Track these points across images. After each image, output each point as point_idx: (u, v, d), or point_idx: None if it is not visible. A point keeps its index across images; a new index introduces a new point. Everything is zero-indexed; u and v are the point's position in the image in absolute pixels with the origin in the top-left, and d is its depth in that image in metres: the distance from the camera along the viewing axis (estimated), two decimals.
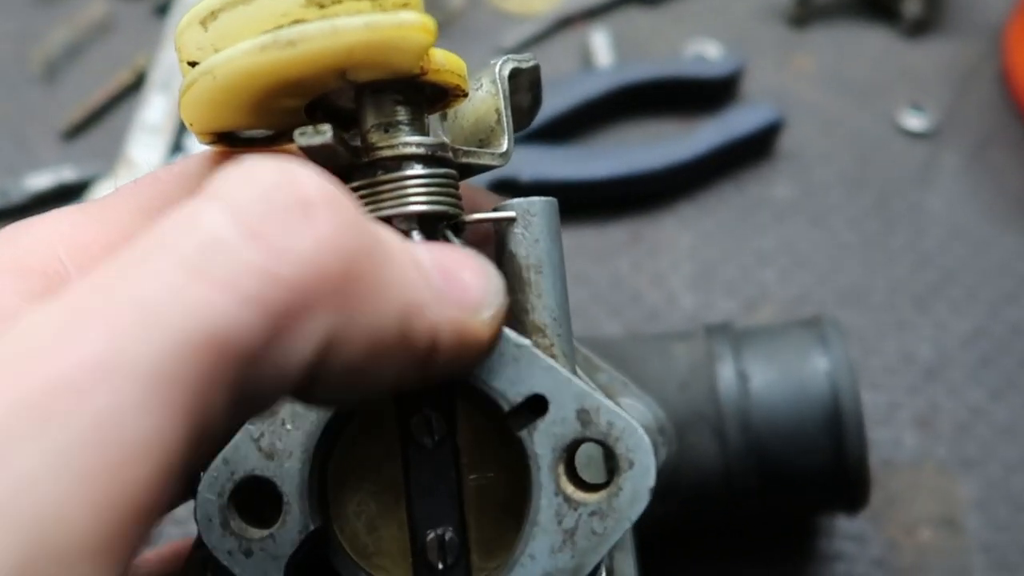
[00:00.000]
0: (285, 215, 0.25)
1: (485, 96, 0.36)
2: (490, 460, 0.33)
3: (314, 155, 0.31)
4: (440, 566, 0.32)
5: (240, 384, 0.24)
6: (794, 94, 0.81)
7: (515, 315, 0.33)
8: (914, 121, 0.80)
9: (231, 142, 0.35)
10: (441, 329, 0.28)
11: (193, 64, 0.32)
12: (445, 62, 0.33)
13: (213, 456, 0.32)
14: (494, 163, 0.35)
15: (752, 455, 0.52)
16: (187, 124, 0.33)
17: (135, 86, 0.78)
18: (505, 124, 0.36)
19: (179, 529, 0.60)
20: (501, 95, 0.36)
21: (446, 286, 0.29)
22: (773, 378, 0.54)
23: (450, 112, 0.37)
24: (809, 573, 0.60)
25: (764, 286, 0.72)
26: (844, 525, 0.62)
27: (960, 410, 0.67)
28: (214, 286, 0.23)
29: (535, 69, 0.38)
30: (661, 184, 0.75)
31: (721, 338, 0.55)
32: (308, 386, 0.26)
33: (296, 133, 0.30)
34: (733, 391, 0.53)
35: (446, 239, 0.33)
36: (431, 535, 0.32)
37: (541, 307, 0.33)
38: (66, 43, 0.81)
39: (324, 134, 0.30)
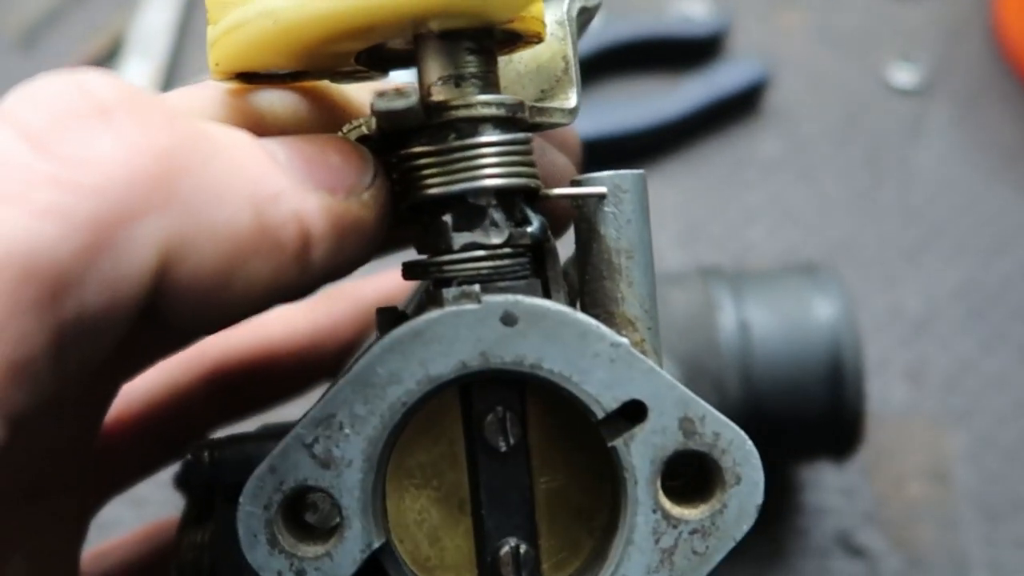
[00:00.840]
0: (78, 122, 0.23)
1: (550, 40, 0.32)
2: (561, 462, 0.30)
3: (388, 120, 0.28)
4: None
5: (61, 307, 0.22)
6: (781, 50, 0.80)
7: (602, 306, 0.29)
8: (903, 76, 0.79)
9: (249, 79, 0.31)
10: (309, 216, 0.26)
11: None
12: (528, 4, 0.28)
13: (71, 408, 0.29)
14: (564, 121, 0.31)
15: (750, 407, 0.51)
16: (212, 64, 0.30)
17: (114, 52, 0.78)
18: (574, 75, 0.32)
19: (134, 512, 0.59)
20: (570, 40, 0.32)
21: (307, 168, 0.27)
22: (774, 328, 0.53)
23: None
24: (799, 527, 0.60)
25: (752, 242, 0.72)
26: (833, 479, 0.61)
27: (950, 363, 0.66)
28: (7, 203, 0.22)
29: (598, 7, 0.34)
30: (648, 142, 0.75)
31: (719, 283, 0.54)
32: (159, 304, 0.24)
33: (374, 96, 0.27)
34: (734, 343, 0.52)
35: (523, 214, 0.29)
36: (504, 548, 0.29)
37: (632, 297, 0.29)
38: (44, 9, 0.80)
39: (408, 97, 0.27)
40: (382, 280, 0.47)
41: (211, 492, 0.35)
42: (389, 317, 0.30)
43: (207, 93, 0.30)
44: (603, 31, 0.79)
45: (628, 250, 0.29)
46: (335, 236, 0.27)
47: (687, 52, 0.79)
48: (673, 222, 0.73)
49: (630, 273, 0.29)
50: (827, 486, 0.61)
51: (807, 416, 0.52)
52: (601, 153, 0.74)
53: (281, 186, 0.26)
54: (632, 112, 0.75)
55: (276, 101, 0.31)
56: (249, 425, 0.38)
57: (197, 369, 0.41)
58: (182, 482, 0.39)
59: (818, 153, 0.76)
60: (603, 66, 0.78)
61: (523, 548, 0.29)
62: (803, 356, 0.52)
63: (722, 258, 0.71)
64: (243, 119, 0.30)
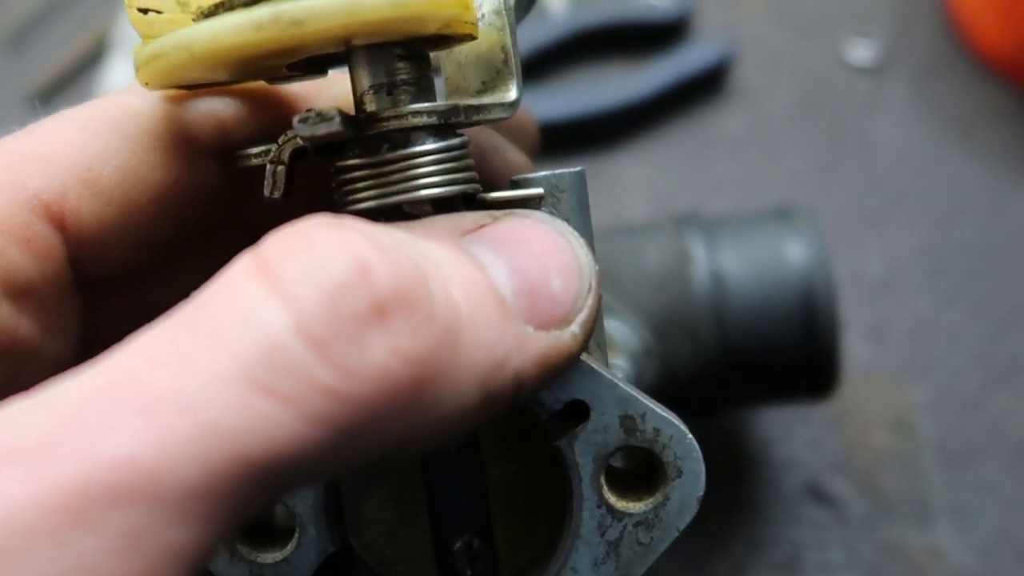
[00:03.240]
0: (357, 326, 0.22)
1: (487, 30, 0.31)
2: (512, 456, 0.30)
3: (315, 143, 0.27)
4: (469, 573, 0.30)
5: (281, 488, 0.22)
6: (743, 32, 0.84)
7: None
8: (860, 53, 0.83)
9: (187, 87, 0.31)
10: (527, 370, 0.25)
11: (145, 11, 0.29)
12: (456, 14, 0.27)
13: None
14: (504, 115, 0.30)
15: (726, 356, 0.53)
16: (142, 83, 0.30)
17: (99, 52, 0.80)
18: (514, 66, 0.30)
19: None
20: (508, 30, 0.30)
21: (532, 313, 0.26)
22: (748, 275, 0.54)
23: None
24: (769, 479, 0.63)
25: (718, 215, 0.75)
26: (801, 433, 0.64)
27: (910, 321, 0.70)
28: (281, 404, 0.21)
29: None
30: (616, 123, 0.78)
31: (692, 232, 0.56)
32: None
33: (296, 120, 0.26)
34: (708, 294, 0.53)
35: None
36: (458, 543, 0.30)
37: None
38: (33, 9, 0.82)
39: (331, 121, 0.26)
40: None
41: None
42: None
43: (145, 104, 0.31)
44: (572, 18, 0.82)
45: None
46: (542, 377, 0.26)
47: (653, 36, 0.82)
48: (643, 198, 0.76)
49: None
50: (796, 440, 0.64)
51: (782, 360, 0.54)
52: (572, 134, 0.77)
53: (508, 346, 0.25)
54: (601, 95, 0.78)
55: (217, 105, 0.31)
56: None
57: None
58: None
59: (780, 129, 0.79)
60: (572, 52, 0.81)
61: (476, 542, 0.30)
62: (777, 301, 0.53)
63: None
64: (185, 127, 0.31)
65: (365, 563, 0.30)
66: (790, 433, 0.65)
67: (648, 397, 0.29)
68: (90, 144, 0.30)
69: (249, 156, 0.30)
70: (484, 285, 0.25)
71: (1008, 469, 0.63)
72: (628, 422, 0.28)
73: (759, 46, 0.83)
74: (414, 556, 0.30)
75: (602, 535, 0.28)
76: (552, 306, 0.26)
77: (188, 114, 0.31)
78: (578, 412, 0.28)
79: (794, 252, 0.54)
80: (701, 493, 0.28)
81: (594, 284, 0.27)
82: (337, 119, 0.26)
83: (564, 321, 0.26)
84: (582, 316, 0.26)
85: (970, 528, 0.61)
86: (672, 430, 0.28)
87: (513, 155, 0.35)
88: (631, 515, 0.28)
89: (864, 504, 0.62)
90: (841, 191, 0.76)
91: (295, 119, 0.26)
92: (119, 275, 0.32)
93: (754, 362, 0.54)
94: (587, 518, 0.28)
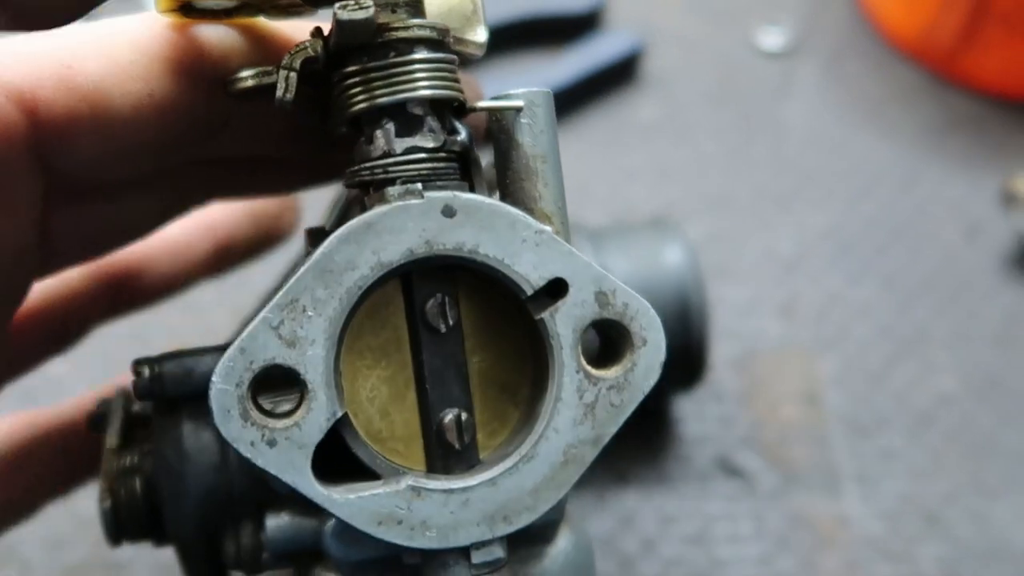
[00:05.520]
0: None
1: None
2: (489, 344, 0.33)
3: (348, 30, 0.31)
4: (457, 446, 0.32)
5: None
6: (656, 22, 0.85)
7: (524, 204, 0.33)
8: (771, 39, 0.84)
9: (189, 12, 0.34)
10: None
11: None
12: None
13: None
14: (477, 53, 0.35)
15: None
16: (157, 8, 0.33)
17: None
18: (481, 14, 0.35)
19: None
20: None
21: None
22: (630, 275, 0.57)
23: None
24: (682, 455, 0.64)
25: (633, 199, 0.76)
26: (712, 409, 0.66)
27: (819, 297, 0.71)
28: None
29: None
30: None
31: (580, 238, 0.59)
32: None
33: (337, 7, 0.30)
34: None
35: (452, 125, 0.33)
36: (448, 416, 0.32)
37: (548, 196, 0.33)
38: None
39: (367, 8, 0.30)
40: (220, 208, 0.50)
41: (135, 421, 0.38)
42: (317, 233, 0.35)
43: (151, 26, 0.33)
44: (488, 11, 0.83)
45: (543, 155, 0.33)
46: None
47: (568, 28, 0.83)
48: None
49: (545, 175, 0.33)
50: (707, 416, 0.65)
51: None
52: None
53: None
54: (518, 85, 0.79)
55: (214, 35, 0.34)
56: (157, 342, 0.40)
57: (84, 269, 0.45)
58: (96, 423, 0.41)
59: (694, 115, 0.81)
60: (489, 45, 0.82)
61: (463, 416, 0.32)
62: (656, 298, 0.56)
63: (605, 216, 0.75)
64: (185, 52, 0.33)
65: (360, 439, 0.32)
66: (702, 410, 0.66)
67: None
68: (72, 45, 0.32)
69: (245, 78, 0.33)
70: None
71: (912, 437, 0.65)
72: (601, 297, 0.31)
73: (672, 35, 0.84)
74: (406, 433, 0.33)
75: (580, 398, 0.31)
76: None
77: (183, 38, 0.34)
78: (558, 288, 0.31)
79: (670, 256, 0.58)
80: (663, 359, 0.32)
81: None
82: (371, 7, 0.30)
83: None
84: None
85: (875, 495, 0.62)
86: (638, 304, 0.31)
87: (470, 82, 0.38)
88: (604, 379, 0.31)
89: (773, 476, 0.63)
90: (753, 174, 0.77)
91: (336, 6, 0.30)
92: (85, 179, 0.35)
93: None
94: (567, 383, 0.31)
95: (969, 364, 0.68)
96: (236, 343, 0.30)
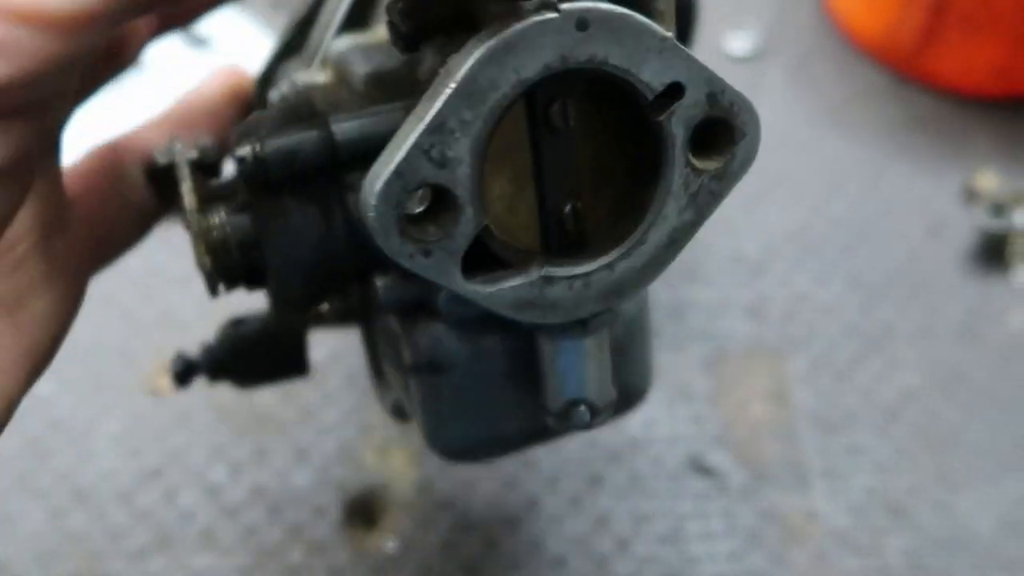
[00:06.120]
0: None
1: None
2: (595, 139, 0.36)
3: None
4: (573, 233, 0.36)
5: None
6: None
7: (640, 3, 0.34)
8: (739, 44, 0.86)
9: None
10: None
11: None
12: None
13: None
14: None
15: None
16: None
17: None
18: None
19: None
20: None
21: None
22: None
23: None
24: (654, 455, 0.66)
25: None
26: (684, 410, 0.67)
27: (787, 297, 0.73)
28: None
29: None
30: None
31: None
32: None
33: None
34: None
35: None
36: (567, 207, 0.36)
37: None
38: None
39: None
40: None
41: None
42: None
43: None
44: None
45: None
46: None
47: None
48: None
49: None
50: (678, 416, 0.67)
51: None
52: None
53: None
54: None
55: None
56: None
57: None
58: (158, 174, 0.43)
59: None
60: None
61: (579, 205, 0.36)
62: None
63: None
64: None
65: (492, 234, 0.35)
66: (673, 410, 0.67)
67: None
68: None
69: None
70: None
71: (878, 433, 0.66)
72: (711, 97, 0.34)
73: None
74: (529, 223, 0.36)
75: (686, 189, 0.35)
76: None
77: None
78: (676, 91, 0.33)
79: None
80: (757, 150, 0.35)
81: None
82: None
83: None
84: None
85: (843, 489, 0.64)
86: (743, 102, 0.34)
87: None
88: (707, 171, 0.35)
89: (743, 474, 0.65)
90: None
91: None
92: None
93: None
94: (676, 177, 0.35)
95: (933, 359, 0.70)
96: (391, 167, 0.32)
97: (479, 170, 0.33)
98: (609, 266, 0.36)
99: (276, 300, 0.42)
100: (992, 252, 0.74)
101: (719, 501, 0.64)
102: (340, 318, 0.47)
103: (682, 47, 0.33)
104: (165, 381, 0.67)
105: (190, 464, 0.64)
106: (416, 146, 0.32)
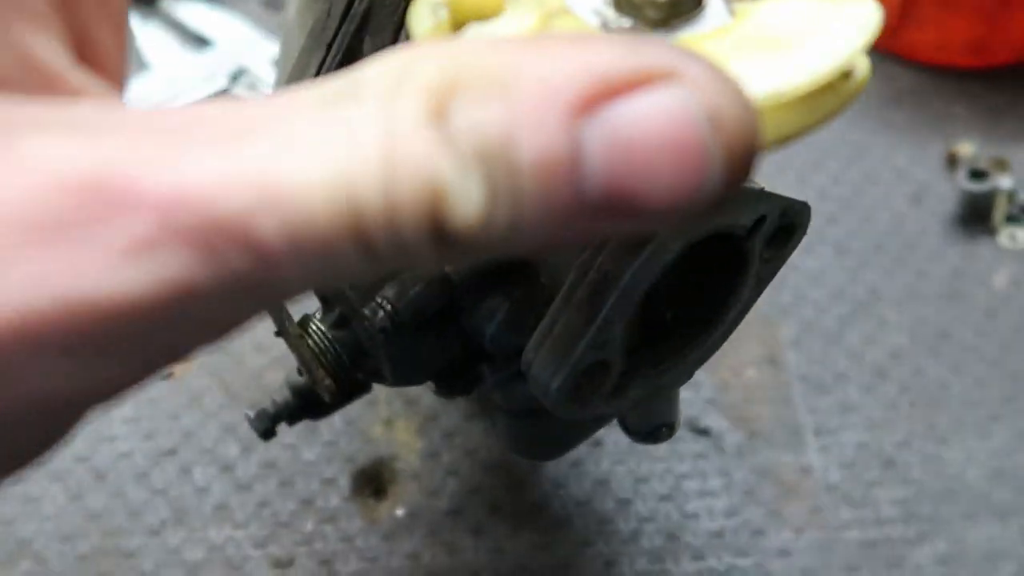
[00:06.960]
0: None
1: None
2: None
3: None
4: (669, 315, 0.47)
5: None
6: None
7: None
8: None
9: None
10: None
11: None
12: None
13: None
14: None
15: None
16: None
17: None
18: None
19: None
20: None
21: None
22: None
23: None
24: None
25: None
26: None
27: None
28: None
29: None
30: None
31: None
32: None
33: None
34: None
35: None
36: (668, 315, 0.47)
37: None
38: None
39: None
40: None
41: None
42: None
43: None
44: None
45: None
46: None
47: None
48: None
49: None
50: None
51: None
52: None
53: None
54: None
55: None
56: None
57: None
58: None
59: None
60: None
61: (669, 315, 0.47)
62: None
63: None
64: None
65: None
66: None
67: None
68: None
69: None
70: None
71: (867, 391, 0.69)
72: (783, 214, 0.42)
73: None
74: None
75: (756, 277, 0.44)
76: None
77: None
78: (761, 221, 0.41)
79: None
80: (804, 235, 0.44)
81: None
82: None
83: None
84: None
85: (835, 445, 0.66)
86: (802, 206, 0.43)
87: None
88: (768, 266, 0.44)
89: (738, 434, 0.67)
90: None
91: None
92: None
93: None
94: (752, 273, 0.43)
95: (919, 320, 0.72)
96: (566, 369, 0.40)
97: (627, 335, 0.40)
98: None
99: (391, 384, 0.48)
100: (975, 216, 0.76)
101: (716, 460, 0.66)
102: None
103: (762, 188, 0.41)
104: (178, 364, 0.69)
105: (203, 442, 0.66)
106: (587, 344, 0.40)
